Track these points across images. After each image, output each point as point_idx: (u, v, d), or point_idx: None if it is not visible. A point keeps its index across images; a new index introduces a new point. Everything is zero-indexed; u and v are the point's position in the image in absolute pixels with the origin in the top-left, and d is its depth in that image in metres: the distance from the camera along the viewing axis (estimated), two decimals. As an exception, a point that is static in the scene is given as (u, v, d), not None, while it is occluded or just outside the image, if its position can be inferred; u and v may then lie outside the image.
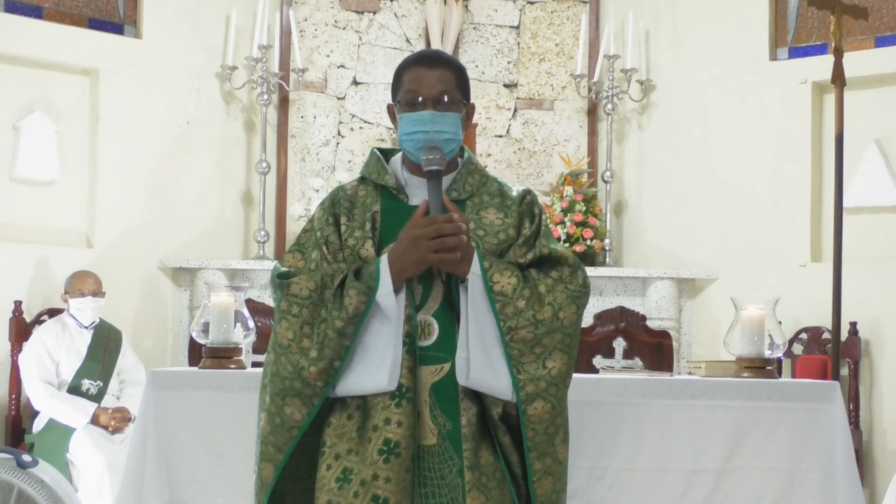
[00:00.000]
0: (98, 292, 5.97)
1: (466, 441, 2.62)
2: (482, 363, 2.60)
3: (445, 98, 2.71)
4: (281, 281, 2.68)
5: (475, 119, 7.02)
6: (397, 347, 2.60)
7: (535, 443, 2.63)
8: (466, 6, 7.24)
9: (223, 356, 3.86)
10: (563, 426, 2.68)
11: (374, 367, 2.60)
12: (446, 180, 2.75)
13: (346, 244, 2.71)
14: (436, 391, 2.63)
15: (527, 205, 2.78)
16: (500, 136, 7.26)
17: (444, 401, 2.63)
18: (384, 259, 2.62)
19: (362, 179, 2.82)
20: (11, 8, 6.41)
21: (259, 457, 2.71)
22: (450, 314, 2.66)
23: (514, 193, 2.80)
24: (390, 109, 2.81)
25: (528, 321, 2.61)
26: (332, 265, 2.69)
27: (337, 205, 2.77)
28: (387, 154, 2.86)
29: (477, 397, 2.66)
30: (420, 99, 2.70)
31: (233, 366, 3.84)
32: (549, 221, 6.89)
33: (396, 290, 2.61)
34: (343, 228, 2.73)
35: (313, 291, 2.63)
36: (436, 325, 2.66)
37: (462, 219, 2.61)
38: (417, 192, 2.73)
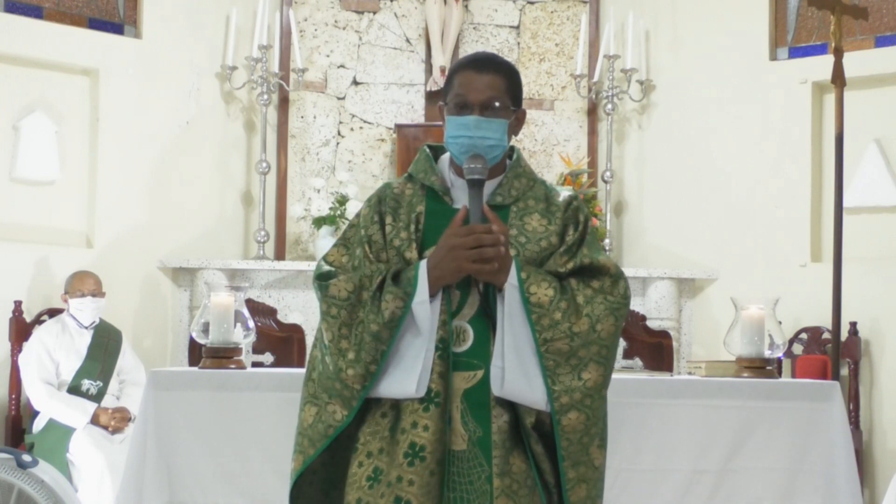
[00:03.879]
0: (98, 292, 5.97)
1: (496, 448, 2.61)
2: (517, 373, 2.60)
3: (495, 104, 2.69)
4: (320, 283, 2.69)
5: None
6: (429, 355, 2.60)
7: (569, 452, 2.63)
8: (466, 6, 7.24)
9: (223, 356, 3.86)
10: (598, 434, 2.67)
11: (405, 374, 2.60)
12: (492, 184, 2.74)
13: (391, 244, 2.71)
14: (468, 397, 2.63)
15: (572, 211, 2.76)
16: (500, 136, 7.25)
17: (475, 407, 2.63)
18: (423, 265, 2.61)
19: (409, 177, 2.81)
20: (11, 8, 6.41)
21: (294, 447, 2.73)
22: (485, 322, 2.65)
23: (560, 199, 2.77)
24: (440, 109, 2.79)
25: (563, 333, 2.60)
26: (373, 265, 2.69)
27: (383, 203, 2.76)
28: (437, 151, 2.84)
29: (509, 405, 2.65)
30: (468, 103, 2.69)
31: (233, 366, 3.83)
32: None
33: (433, 297, 2.60)
34: (388, 228, 2.73)
35: (351, 293, 2.64)
36: (471, 332, 2.65)
37: (502, 229, 2.60)
38: (462, 195, 2.71)
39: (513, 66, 2.80)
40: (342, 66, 7.25)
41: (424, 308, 2.58)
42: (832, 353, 5.49)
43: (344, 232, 2.81)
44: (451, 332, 2.62)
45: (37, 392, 5.74)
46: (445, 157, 2.81)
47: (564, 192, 2.81)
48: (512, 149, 2.81)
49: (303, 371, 2.84)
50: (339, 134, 7.23)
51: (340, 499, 2.70)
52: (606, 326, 2.63)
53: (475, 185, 2.64)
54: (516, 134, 2.80)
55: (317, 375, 2.70)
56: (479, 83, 2.69)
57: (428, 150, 2.84)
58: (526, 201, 2.75)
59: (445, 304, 2.62)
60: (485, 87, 2.69)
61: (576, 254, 2.70)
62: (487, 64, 2.74)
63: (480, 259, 2.57)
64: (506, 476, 2.60)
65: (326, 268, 2.73)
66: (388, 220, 2.73)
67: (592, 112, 7.27)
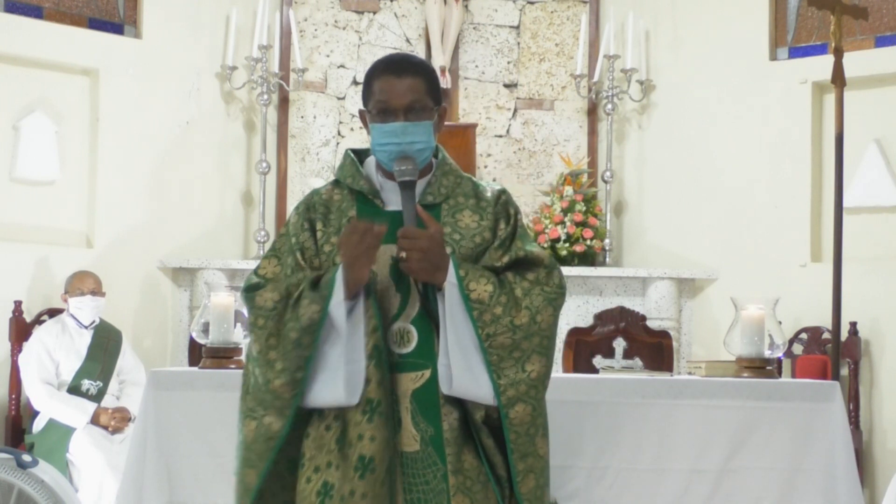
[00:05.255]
0: (98, 291, 5.97)
1: (449, 445, 2.63)
2: (463, 370, 2.61)
3: (418, 107, 2.69)
4: (247, 294, 2.68)
5: (474, 119, 7.04)
6: (351, 360, 2.58)
7: (517, 445, 2.64)
8: (466, 6, 7.24)
9: (223, 356, 3.87)
10: (542, 425, 2.69)
11: (331, 380, 2.59)
12: (421, 183, 2.74)
13: (322, 250, 2.71)
14: (416, 398, 2.64)
15: (502, 205, 2.77)
16: (500, 136, 7.25)
17: (425, 407, 2.64)
18: (340, 268, 2.59)
19: (336, 183, 2.80)
20: (11, 8, 6.41)
21: (242, 462, 2.69)
22: (428, 321, 2.66)
23: (489, 194, 2.78)
24: (362, 115, 2.78)
25: (505, 327, 2.61)
26: (305, 271, 2.68)
27: (312, 209, 2.75)
28: (361, 154, 2.84)
29: (458, 402, 2.66)
30: (391, 109, 2.68)
31: (233, 366, 3.84)
32: (542, 220, 6.90)
33: (353, 298, 2.58)
34: (319, 234, 2.72)
35: (277, 303, 2.62)
36: (415, 333, 2.65)
37: (437, 228, 2.61)
38: (392, 197, 2.71)
39: (429, 65, 2.80)
40: (342, 66, 7.25)
41: (340, 310, 2.56)
42: (832, 353, 5.49)
43: (273, 243, 2.79)
44: (382, 337, 2.60)
45: (37, 392, 5.74)
46: (370, 160, 2.80)
47: (492, 187, 2.82)
48: (437, 148, 2.81)
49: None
50: (339, 134, 7.23)
51: None
52: (546, 317, 2.65)
53: (407, 187, 2.64)
54: (439, 131, 2.79)
55: (251, 389, 2.68)
56: (399, 87, 2.67)
57: (352, 154, 2.83)
58: (456, 198, 2.76)
59: (374, 310, 2.60)
60: (406, 91, 2.67)
61: (510, 248, 2.71)
62: (405, 66, 2.72)
63: (358, 247, 2.54)
64: (459, 473, 2.62)
65: (255, 280, 2.72)
66: (319, 225, 2.73)
67: (592, 112, 7.27)
